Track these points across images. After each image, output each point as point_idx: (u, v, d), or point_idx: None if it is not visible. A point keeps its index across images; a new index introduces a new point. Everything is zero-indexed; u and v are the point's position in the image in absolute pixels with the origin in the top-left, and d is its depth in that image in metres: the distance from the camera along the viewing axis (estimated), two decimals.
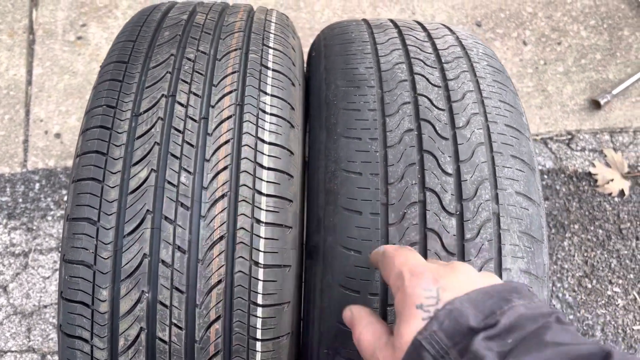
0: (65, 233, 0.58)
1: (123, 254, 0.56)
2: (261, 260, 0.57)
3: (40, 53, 1.71)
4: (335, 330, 0.58)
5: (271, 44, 0.70)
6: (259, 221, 0.57)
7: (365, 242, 0.58)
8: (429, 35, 0.75)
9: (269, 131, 0.61)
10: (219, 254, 0.56)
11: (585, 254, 1.54)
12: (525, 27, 1.80)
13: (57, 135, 1.62)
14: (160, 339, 0.55)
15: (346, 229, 0.59)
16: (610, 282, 1.52)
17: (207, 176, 0.58)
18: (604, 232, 1.56)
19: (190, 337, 0.56)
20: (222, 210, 0.57)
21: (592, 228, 1.56)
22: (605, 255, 1.54)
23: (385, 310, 0.57)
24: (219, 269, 0.56)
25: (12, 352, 1.40)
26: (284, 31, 0.75)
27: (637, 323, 1.48)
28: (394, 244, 0.58)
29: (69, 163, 1.58)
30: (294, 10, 1.78)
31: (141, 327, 0.55)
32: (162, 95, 0.62)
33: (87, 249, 0.56)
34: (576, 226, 1.56)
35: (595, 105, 1.70)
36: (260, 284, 0.57)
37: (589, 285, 1.51)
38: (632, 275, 1.52)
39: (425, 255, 0.57)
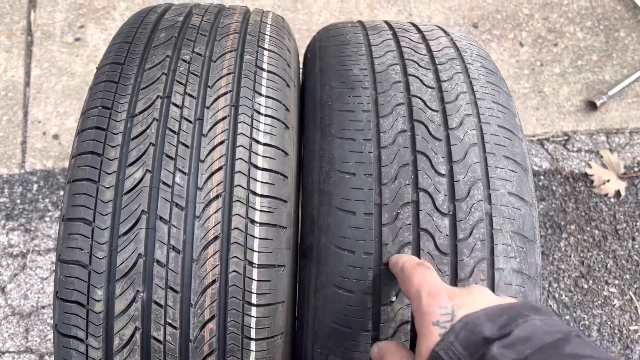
0: (61, 233, 0.58)
1: (118, 254, 0.56)
2: (255, 260, 0.57)
3: (38, 54, 1.72)
4: (329, 329, 0.59)
5: (266, 46, 0.70)
6: (253, 221, 0.58)
7: (358, 242, 0.58)
8: (424, 37, 0.75)
9: (264, 132, 0.62)
10: (214, 254, 0.56)
11: (582, 255, 1.54)
12: (521, 28, 1.80)
13: (55, 137, 1.62)
14: (155, 339, 0.56)
15: (340, 229, 0.59)
16: (607, 283, 1.52)
17: (201, 177, 0.58)
18: (600, 233, 1.57)
19: (184, 336, 0.56)
20: (216, 211, 0.57)
21: (588, 229, 1.57)
22: (602, 256, 1.54)
23: (379, 309, 0.58)
24: (213, 268, 0.56)
25: (10, 352, 1.41)
26: (279, 33, 0.75)
27: (634, 323, 1.48)
28: (387, 244, 0.58)
29: (67, 164, 1.58)
30: (291, 11, 1.78)
31: (136, 327, 0.56)
32: (158, 96, 0.63)
33: (82, 249, 0.56)
34: (572, 227, 1.57)
35: (592, 106, 1.71)
36: (255, 283, 0.57)
37: (585, 286, 1.51)
38: (628, 276, 1.53)
39: (418, 255, 0.58)
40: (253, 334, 0.57)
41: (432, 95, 0.66)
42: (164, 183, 0.58)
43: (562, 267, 1.52)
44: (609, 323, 1.48)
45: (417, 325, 0.46)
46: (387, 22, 0.80)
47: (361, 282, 0.58)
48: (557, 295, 1.50)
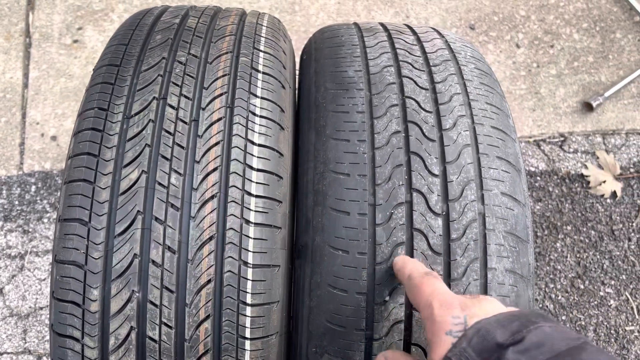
0: (57, 234, 0.59)
1: (114, 254, 0.56)
2: (250, 260, 0.58)
3: (36, 56, 1.72)
4: (323, 329, 0.59)
5: (262, 48, 0.71)
6: (248, 222, 0.58)
7: (352, 242, 0.59)
8: (418, 39, 0.76)
9: (259, 133, 0.62)
10: (209, 254, 0.57)
11: (578, 255, 1.55)
12: (518, 30, 1.81)
13: (53, 138, 1.62)
14: (150, 338, 0.56)
15: (334, 229, 0.60)
16: (603, 283, 1.53)
17: (197, 177, 0.59)
18: (597, 234, 1.57)
19: (180, 336, 0.57)
20: (211, 211, 0.58)
21: (584, 229, 1.57)
22: (598, 257, 1.55)
23: (373, 308, 0.58)
24: (208, 268, 0.57)
25: (8, 353, 1.41)
26: (275, 35, 0.76)
27: (630, 324, 1.49)
28: (381, 244, 0.59)
29: None
30: (289, 13, 1.79)
31: (131, 326, 0.56)
32: (154, 97, 0.63)
33: (78, 249, 0.57)
34: (569, 227, 1.57)
35: (588, 107, 1.71)
36: (250, 283, 0.57)
37: (582, 286, 1.52)
38: (624, 276, 1.54)
39: (411, 255, 0.58)
40: (248, 334, 0.58)
41: (426, 96, 0.66)
42: (160, 184, 0.58)
43: (559, 267, 1.53)
44: (605, 323, 1.48)
45: (428, 334, 0.47)
46: (382, 24, 0.81)
47: (355, 281, 0.58)
48: (553, 296, 1.50)
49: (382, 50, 0.72)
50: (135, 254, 0.56)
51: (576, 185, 1.62)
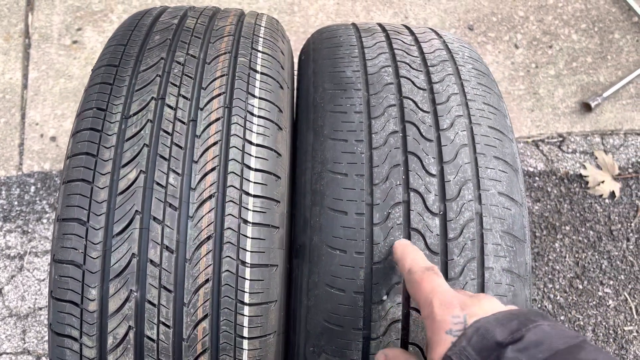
0: (56, 233, 0.59)
1: (112, 253, 0.57)
2: (248, 259, 0.58)
3: (36, 57, 1.73)
4: (321, 328, 0.60)
5: (260, 48, 0.71)
6: (246, 221, 0.58)
7: (350, 241, 0.59)
8: (416, 39, 0.76)
9: (257, 133, 0.62)
10: (207, 254, 0.57)
11: (577, 255, 1.55)
12: (516, 30, 1.82)
13: (53, 139, 1.63)
14: (149, 337, 0.56)
15: (332, 228, 0.60)
16: (601, 283, 1.53)
17: (195, 177, 0.59)
18: (595, 234, 1.58)
19: (177, 335, 0.57)
20: (209, 211, 0.58)
21: (583, 229, 1.58)
22: (596, 257, 1.55)
23: (370, 308, 0.58)
24: (206, 268, 0.57)
25: (7, 354, 1.41)
26: (273, 35, 0.76)
27: (628, 324, 1.49)
28: (379, 243, 0.59)
29: None
30: (287, 14, 1.79)
31: (129, 326, 0.56)
32: (152, 98, 0.63)
33: (76, 249, 0.57)
34: (567, 228, 1.57)
35: (586, 107, 1.71)
36: (247, 283, 0.58)
37: (580, 286, 1.52)
38: (622, 276, 1.54)
39: None
40: (246, 333, 0.58)
41: (423, 96, 0.67)
42: (158, 183, 0.58)
43: (557, 267, 1.53)
44: (604, 323, 1.48)
45: (428, 332, 0.47)
46: (380, 25, 0.81)
47: (352, 281, 0.58)
48: (552, 296, 1.50)
49: (380, 50, 0.72)
50: (133, 254, 0.56)
51: (575, 185, 1.63)
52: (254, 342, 0.58)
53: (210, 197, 0.58)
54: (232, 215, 0.58)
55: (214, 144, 0.61)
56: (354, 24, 0.82)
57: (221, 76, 0.66)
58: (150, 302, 0.56)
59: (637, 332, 1.48)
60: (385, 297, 0.58)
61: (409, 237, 0.59)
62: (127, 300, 0.56)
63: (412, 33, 0.78)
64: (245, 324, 0.58)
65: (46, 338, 1.42)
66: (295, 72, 0.84)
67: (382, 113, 0.65)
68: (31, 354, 1.41)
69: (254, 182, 0.60)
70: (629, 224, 1.59)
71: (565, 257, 1.54)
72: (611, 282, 1.53)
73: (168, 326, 0.56)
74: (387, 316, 0.58)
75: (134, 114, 0.62)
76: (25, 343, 1.42)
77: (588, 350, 0.40)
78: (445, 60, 0.72)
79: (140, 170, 0.59)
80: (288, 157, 0.67)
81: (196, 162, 0.59)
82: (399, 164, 0.61)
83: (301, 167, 0.67)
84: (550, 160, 1.65)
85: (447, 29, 1.79)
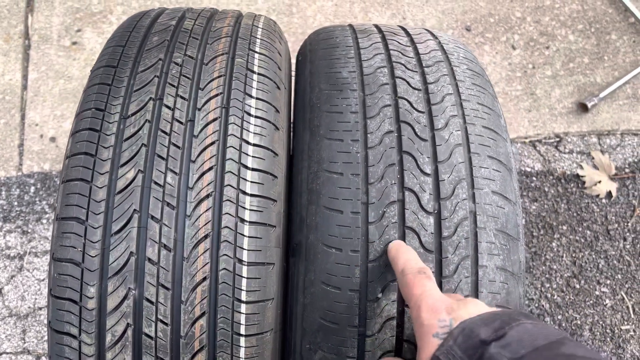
0: (55, 232, 0.60)
1: (110, 252, 0.57)
2: (245, 258, 0.58)
3: (35, 58, 1.73)
4: (317, 325, 0.60)
5: (257, 49, 0.72)
6: (243, 220, 0.59)
7: (345, 240, 0.60)
8: (412, 40, 0.77)
9: (254, 133, 0.63)
10: (204, 252, 0.58)
11: (574, 255, 1.56)
12: (514, 31, 1.83)
13: (52, 139, 1.63)
14: (147, 335, 0.57)
15: (328, 227, 0.61)
16: (599, 283, 1.54)
17: (192, 177, 0.59)
18: (592, 233, 1.58)
19: (175, 332, 0.57)
20: (207, 210, 0.59)
21: (580, 229, 1.58)
22: (593, 256, 1.56)
23: (366, 305, 0.59)
24: (203, 266, 0.58)
25: (7, 353, 1.42)
26: (271, 36, 0.77)
27: (625, 323, 1.50)
28: (374, 242, 0.59)
29: None
30: (286, 15, 1.80)
31: (128, 323, 0.57)
32: (150, 98, 0.64)
33: (75, 248, 0.58)
34: (564, 227, 1.58)
35: (583, 108, 1.72)
36: (244, 281, 0.58)
37: (577, 286, 1.53)
38: (619, 276, 1.54)
39: None
40: (243, 331, 0.58)
41: (418, 97, 0.67)
42: (156, 183, 0.59)
43: (555, 267, 1.54)
44: (601, 323, 1.49)
45: (416, 334, 0.49)
46: (376, 26, 0.82)
47: (348, 279, 0.59)
48: (549, 295, 1.51)
49: (375, 51, 0.73)
50: (131, 252, 0.57)
51: (572, 185, 1.63)
52: (251, 340, 0.59)
53: (207, 196, 0.59)
54: (229, 214, 0.59)
55: (212, 143, 0.61)
56: (350, 25, 0.82)
57: (218, 77, 0.66)
58: (148, 300, 0.57)
59: (634, 331, 1.49)
60: (380, 295, 0.59)
61: (403, 236, 0.60)
62: (125, 298, 0.57)
63: (408, 34, 0.79)
64: (243, 321, 0.58)
65: (46, 338, 1.43)
66: (293, 73, 0.85)
67: (377, 113, 0.65)
68: (31, 354, 1.42)
69: (251, 182, 0.60)
70: (625, 224, 1.60)
71: (562, 256, 1.55)
72: (608, 282, 1.53)
73: (166, 324, 0.57)
74: (382, 313, 0.59)
75: (132, 114, 0.63)
76: (25, 343, 1.43)
77: (568, 345, 0.42)
78: (440, 61, 0.73)
79: (139, 170, 0.59)
80: (285, 156, 0.68)
81: (194, 161, 0.60)
82: (394, 164, 0.62)
83: (297, 167, 0.68)
84: (548, 161, 1.66)
85: (444, 30, 1.80)
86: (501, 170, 0.65)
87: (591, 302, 1.51)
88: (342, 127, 0.65)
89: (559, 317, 1.49)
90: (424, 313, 0.49)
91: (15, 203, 1.56)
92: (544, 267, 1.53)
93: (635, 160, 1.68)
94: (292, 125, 0.78)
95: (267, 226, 0.60)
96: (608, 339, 1.48)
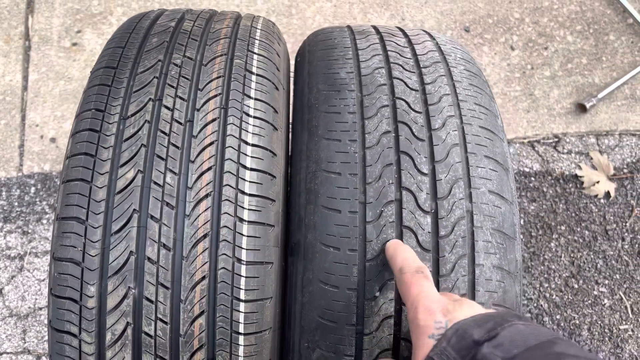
0: (55, 232, 0.60)
1: (110, 251, 0.58)
2: (244, 257, 0.59)
3: (36, 59, 1.74)
4: (315, 324, 0.61)
5: (256, 50, 0.72)
6: (241, 220, 0.60)
7: (343, 239, 0.60)
8: (409, 41, 0.77)
9: (252, 133, 0.64)
10: (203, 251, 0.58)
11: (572, 255, 1.56)
12: (512, 32, 1.83)
13: (53, 140, 1.64)
14: (146, 333, 0.57)
15: (326, 226, 0.61)
16: (597, 283, 1.54)
17: (191, 177, 0.60)
18: (590, 233, 1.59)
19: (175, 331, 0.58)
20: (206, 209, 0.59)
21: (578, 229, 1.59)
22: (592, 256, 1.56)
23: (363, 304, 0.59)
24: (202, 265, 0.58)
25: (8, 353, 1.42)
26: (269, 37, 0.77)
27: (623, 322, 1.50)
28: (372, 241, 0.60)
29: None
30: (285, 16, 1.81)
31: (127, 322, 0.57)
32: (149, 99, 0.64)
33: (75, 247, 0.58)
34: (563, 227, 1.59)
35: (581, 108, 1.73)
36: (243, 280, 0.59)
37: (576, 286, 1.53)
38: (618, 276, 1.55)
39: None
40: (241, 329, 0.59)
41: (416, 97, 0.68)
42: (155, 183, 0.59)
43: (553, 267, 1.54)
44: (599, 322, 1.50)
45: (412, 335, 0.50)
46: (374, 27, 0.82)
47: (346, 277, 0.60)
48: (547, 295, 1.51)
49: (373, 52, 0.74)
50: (131, 252, 0.58)
51: (570, 185, 1.64)
52: (249, 338, 0.59)
53: (206, 195, 0.59)
54: (228, 214, 0.59)
55: (210, 144, 0.62)
56: (348, 26, 0.83)
57: (217, 78, 0.67)
58: (147, 299, 0.57)
59: (632, 330, 1.49)
60: (378, 294, 0.59)
61: (401, 235, 0.60)
62: (125, 297, 0.57)
63: (405, 35, 0.79)
64: (241, 320, 0.59)
65: (46, 338, 1.43)
66: (292, 74, 0.86)
67: (375, 113, 0.66)
68: (31, 354, 1.42)
69: (250, 181, 0.61)
70: (624, 224, 1.61)
71: (560, 256, 1.55)
72: (606, 282, 1.54)
73: (165, 322, 0.58)
74: (379, 312, 0.59)
75: (132, 115, 0.63)
76: (25, 343, 1.43)
77: (559, 345, 0.43)
78: (437, 61, 0.73)
79: (138, 170, 0.60)
80: (283, 156, 0.68)
81: (193, 161, 0.61)
82: (391, 163, 0.63)
83: (296, 167, 0.69)
84: (546, 161, 1.66)
85: (443, 31, 1.81)
86: (498, 170, 0.66)
87: (589, 302, 1.52)
88: (340, 127, 0.65)
89: (558, 316, 1.49)
90: (421, 314, 0.50)
91: (16, 203, 1.57)
92: (542, 267, 1.54)
93: (634, 160, 1.68)
94: (290, 125, 0.78)
95: (265, 225, 0.61)
96: (606, 339, 1.48)
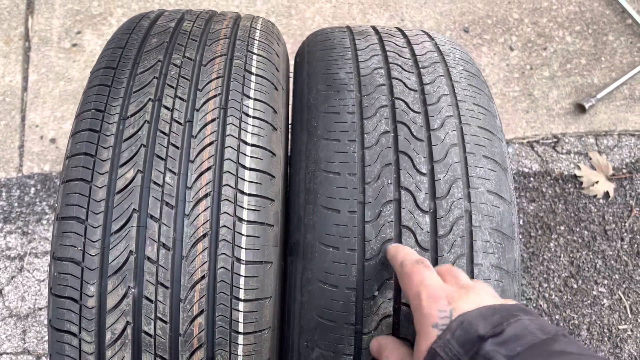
0: (55, 232, 0.60)
1: (110, 251, 0.58)
2: (243, 256, 0.59)
3: (35, 60, 1.74)
4: (314, 323, 0.61)
5: (255, 50, 0.73)
6: (241, 219, 0.60)
7: (342, 238, 0.61)
8: (408, 41, 0.78)
9: (252, 133, 0.64)
10: (202, 251, 0.58)
11: (571, 255, 1.57)
12: (511, 33, 1.83)
13: (52, 141, 1.64)
14: (146, 333, 0.58)
15: (325, 226, 0.61)
16: (596, 283, 1.54)
17: (191, 176, 0.60)
18: (590, 234, 1.59)
19: (174, 330, 0.58)
20: (205, 209, 0.59)
21: (577, 229, 1.59)
22: (591, 256, 1.57)
23: (363, 303, 0.60)
24: (202, 265, 0.58)
25: (8, 354, 1.42)
26: (269, 38, 0.77)
27: (623, 322, 1.50)
28: (370, 240, 0.60)
29: None
30: (285, 17, 1.81)
31: (127, 321, 0.57)
32: (149, 99, 0.65)
33: (75, 247, 0.58)
34: (562, 227, 1.59)
35: (580, 109, 1.73)
36: (242, 279, 0.59)
37: (575, 286, 1.53)
38: (617, 276, 1.55)
39: None
40: (241, 328, 0.59)
41: (414, 97, 0.68)
42: (155, 183, 0.60)
43: (552, 267, 1.55)
44: (599, 322, 1.50)
45: (416, 324, 0.48)
46: (373, 27, 0.82)
47: (345, 277, 0.60)
48: (547, 295, 1.52)
49: (372, 52, 0.74)
50: (131, 251, 0.58)
51: (569, 185, 1.64)
52: (249, 337, 0.60)
53: (206, 195, 0.60)
54: (227, 214, 0.59)
55: (210, 144, 0.62)
56: (348, 27, 0.83)
57: (217, 78, 0.67)
58: (147, 298, 0.57)
59: (631, 330, 1.50)
60: (376, 293, 0.59)
61: (399, 234, 0.60)
62: (125, 296, 0.57)
63: (404, 35, 0.80)
64: (241, 319, 0.59)
65: (46, 338, 1.43)
66: (291, 74, 0.86)
67: (374, 114, 0.66)
68: (31, 354, 1.42)
69: (249, 181, 0.61)
70: (623, 224, 1.61)
71: (560, 256, 1.56)
72: (605, 282, 1.54)
73: (165, 322, 0.58)
74: (378, 311, 0.59)
75: (132, 115, 0.64)
76: (25, 343, 1.43)
77: (561, 342, 0.42)
78: (436, 62, 0.74)
79: (138, 170, 0.60)
80: (283, 156, 0.68)
81: (192, 161, 0.61)
82: (390, 163, 0.63)
83: (295, 167, 0.69)
84: (545, 161, 1.66)
85: (442, 31, 1.81)
86: (496, 170, 0.66)
87: (589, 302, 1.52)
88: (339, 127, 0.66)
89: (557, 316, 1.49)
90: (424, 302, 0.48)
91: (16, 204, 1.57)
92: (541, 267, 1.54)
93: (633, 160, 1.69)
94: (290, 125, 0.79)
95: (265, 225, 0.61)
96: (605, 339, 1.48)
